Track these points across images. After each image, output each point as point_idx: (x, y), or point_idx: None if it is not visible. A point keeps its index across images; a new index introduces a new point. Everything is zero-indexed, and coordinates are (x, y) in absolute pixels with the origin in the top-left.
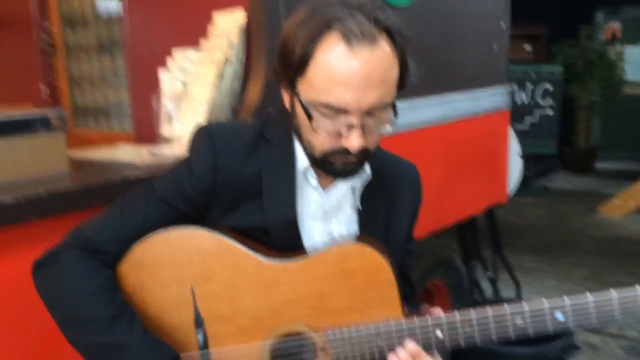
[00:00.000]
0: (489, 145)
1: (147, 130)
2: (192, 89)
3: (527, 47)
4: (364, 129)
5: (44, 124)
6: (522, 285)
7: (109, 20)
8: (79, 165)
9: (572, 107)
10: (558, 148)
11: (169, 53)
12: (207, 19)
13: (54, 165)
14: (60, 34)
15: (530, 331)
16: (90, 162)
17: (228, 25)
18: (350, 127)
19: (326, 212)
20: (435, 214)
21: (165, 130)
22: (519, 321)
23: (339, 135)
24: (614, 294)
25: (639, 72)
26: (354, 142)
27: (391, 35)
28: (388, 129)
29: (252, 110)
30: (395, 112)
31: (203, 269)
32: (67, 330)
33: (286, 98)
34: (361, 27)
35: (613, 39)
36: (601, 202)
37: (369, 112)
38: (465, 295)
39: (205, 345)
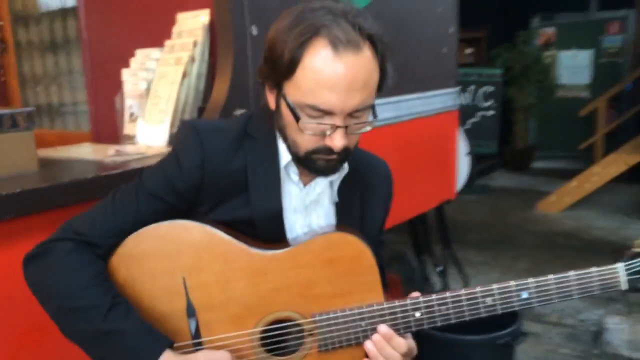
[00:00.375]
0: (439, 144)
1: (106, 129)
2: (157, 88)
3: (469, 50)
4: (346, 129)
5: (12, 122)
6: (469, 279)
7: (64, 18)
8: (45, 164)
9: (511, 108)
10: (498, 148)
11: (131, 53)
12: (171, 19)
13: (23, 164)
14: (11, 32)
15: (499, 309)
16: (56, 160)
17: (192, 25)
18: (334, 127)
19: (307, 206)
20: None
21: (128, 129)
22: (488, 300)
23: (323, 135)
24: (571, 274)
25: (572, 75)
26: (337, 141)
27: (373, 42)
28: (368, 129)
29: (219, 109)
30: (375, 114)
31: (194, 260)
32: (62, 320)
33: (271, 98)
34: (346, 34)
35: (548, 44)
36: (539, 199)
37: (351, 114)
38: (417, 289)
39: (197, 334)
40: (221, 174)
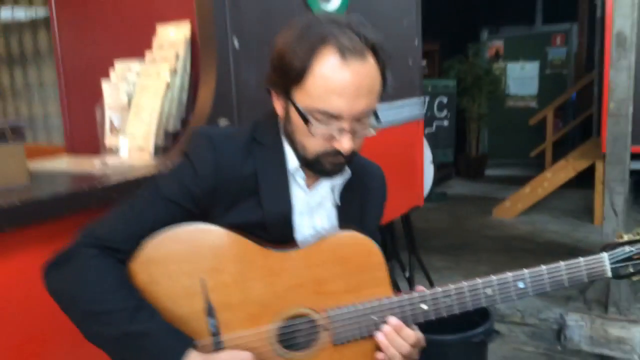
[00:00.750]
0: (407, 153)
1: (81, 141)
2: (140, 99)
3: (423, 62)
4: (353, 133)
5: (2, 135)
6: (434, 284)
7: (34, 31)
8: (34, 177)
9: (464, 118)
10: (454, 156)
11: (108, 64)
12: (150, 30)
13: (14, 177)
14: None
15: (498, 299)
16: (44, 173)
17: (173, 37)
18: (342, 131)
19: (311, 208)
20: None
21: (109, 141)
22: (488, 291)
23: (331, 138)
24: (562, 264)
25: (520, 86)
26: (345, 144)
27: (375, 51)
28: (372, 132)
29: (204, 120)
30: (378, 118)
31: (212, 262)
32: (87, 325)
33: (278, 105)
34: (353, 43)
35: (497, 56)
36: (494, 205)
37: (357, 118)
38: None
39: (217, 333)
40: (233, 179)
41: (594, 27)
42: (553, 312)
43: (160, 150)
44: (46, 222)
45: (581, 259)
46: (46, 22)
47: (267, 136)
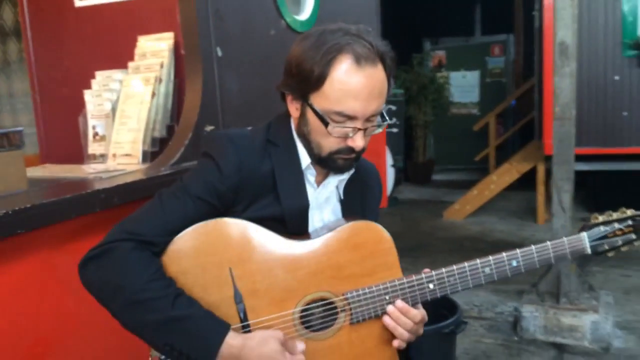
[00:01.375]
0: (372, 157)
1: (57, 151)
2: (124, 108)
3: None
4: (364, 132)
5: (3, 141)
6: None
7: (3, 41)
8: (32, 184)
9: (411, 125)
10: (403, 162)
11: (88, 75)
12: (132, 43)
13: (13, 183)
14: None
15: (495, 277)
16: (40, 180)
17: (156, 47)
18: (356, 130)
19: (320, 203)
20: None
21: (92, 148)
22: (487, 270)
23: (345, 137)
24: (548, 243)
25: (462, 94)
26: (359, 142)
27: (383, 58)
28: (379, 130)
29: (192, 127)
30: (385, 118)
31: (238, 253)
32: (129, 313)
33: (293, 107)
34: (365, 51)
35: (440, 66)
36: (443, 208)
37: (368, 119)
38: None
39: (245, 318)
40: (253, 177)
41: (530, 37)
42: (508, 306)
43: (147, 156)
44: (54, 225)
45: (565, 239)
46: (16, 32)
47: (280, 137)
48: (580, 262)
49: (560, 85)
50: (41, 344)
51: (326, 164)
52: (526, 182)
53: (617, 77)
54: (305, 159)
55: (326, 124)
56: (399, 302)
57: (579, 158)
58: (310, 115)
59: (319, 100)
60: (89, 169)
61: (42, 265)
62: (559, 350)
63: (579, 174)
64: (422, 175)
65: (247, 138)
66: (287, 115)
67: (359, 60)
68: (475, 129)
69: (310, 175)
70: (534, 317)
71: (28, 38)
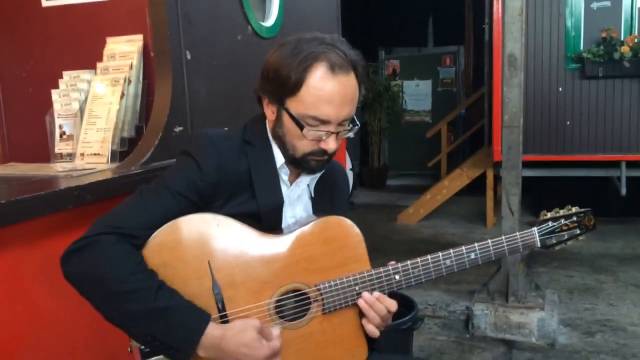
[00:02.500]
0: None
1: (20, 150)
2: (92, 107)
3: None
4: (337, 135)
5: None
6: None
7: None
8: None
9: (366, 132)
10: (359, 168)
11: (54, 76)
12: (100, 44)
13: None
14: None
15: (455, 268)
16: (8, 177)
17: (125, 48)
18: (329, 134)
19: (292, 201)
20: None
21: (59, 148)
22: (447, 262)
23: (319, 140)
24: (503, 237)
25: (415, 102)
26: (331, 145)
27: (355, 67)
28: (351, 135)
29: (162, 128)
30: (356, 124)
31: (217, 246)
32: (111, 305)
33: (269, 110)
34: (340, 60)
35: (394, 74)
36: (398, 212)
37: (340, 123)
38: None
39: (223, 308)
40: (231, 175)
41: (479, 49)
42: (460, 305)
43: (116, 155)
44: (27, 222)
45: (517, 233)
46: None
47: (256, 138)
48: (527, 262)
49: (509, 95)
50: (15, 339)
51: (299, 165)
52: (475, 187)
53: (560, 89)
54: (279, 158)
55: (301, 127)
56: (376, 293)
57: (526, 165)
58: (286, 118)
59: (294, 104)
60: (57, 168)
61: (15, 261)
62: (508, 347)
63: (525, 180)
64: (376, 180)
65: (226, 138)
66: (262, 117)
67: (333, 68)
68: (427, 136)
69: (284, 174)
70: (485, 315)
71: None
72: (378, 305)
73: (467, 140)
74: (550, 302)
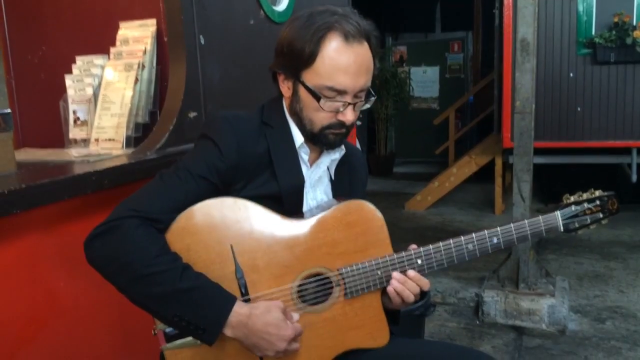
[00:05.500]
0: None
1: (34, 136)
2: (106, 93)
3: None
4: (354, 106)
5: None
6: None
7: None
8: (20, 166)
9: (373, 119)
10: (366, 155)
11: (67, 60)
12: (113, 29)
13: (2, 165)
14: None
15: (477, 253)
16: (26, 163)
17: (139, 33)
18: (346, 105)
19: (312, 183)
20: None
21: (74, 133)
22: (470, 246)
23: (336, 112)
24: (525, 221)
25: (423, 89)
26: (349, 116)
27: (369, 38)
28: (367, 105)
29: (176, 113)
30: (373, 95)
31: (239, 230)
32: (136, 287)
33: (285, 86)
34: (353, 29)
35: (401, 61)
36: (405, 199)
37: (357, 95)
38: None
39: (246, 292)
40: (251, 156)
41: (488, 35)
42: (469, 292)
43: (131, 141)
44: (46, 206)
45: (540, 217)
46: None
47: (274, 119)
48: (537, 249)
49: (521, 80)
50: (33, 324)
51: (318, 140)
52: (483, 175)
53: (572, 74)
54: (298, 138)
55: (318, 99)
56: (396, 274)
57: (535, 151)
58: (302, 92)
59: (310, 77)
60: (73, 153)
61: (34, 246)
62: (518, 333)
63: (533, 167)
64: (383, 168)
65: (244, 120)
66: (279, 98)
67: (347, 37)
68: (435, 123)
69: (304, 153)
70: (495, 301)
71: (4, 21)
72: (410, 283)
73: (475, 128)
74: (560, 288)
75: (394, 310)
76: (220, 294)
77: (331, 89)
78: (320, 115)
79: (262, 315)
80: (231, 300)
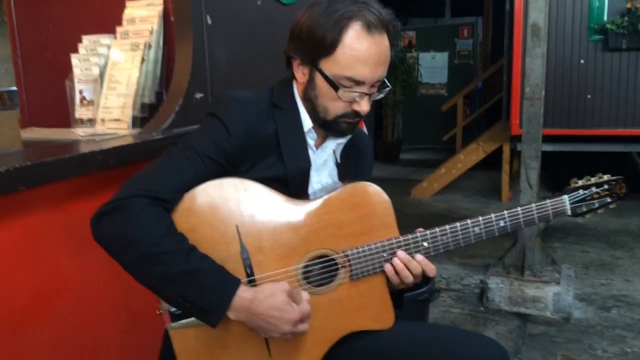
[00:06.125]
0: None
1: (41, 114)
2: (113, 73)
3: None
4: (369, 97)
5: None
6: None
7: None
8: (26, 144)
9: (381, 104)
10: (373, 141)
11: (73, 40)
12: (119, 8)
13: (8, 143)
14: None
15: (484, 236)
16: (32, 141)
17: (145, 12)
18: (363, 95)
19: (318, 166)
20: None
21: (80, 113)
22: (476, 229)
23: (352, 102)
24: (533, 205)
25: (431, 75)
26: (365, 106)
27: (387, 28)
28: (381, 96)
29: (182, 94)
30: (387, 85)
31: (245, 211)
32: (142, 267)
33: (300, 72)
34: (375, 19)
35: (410, 46)
36: (411, 186)
37: (373, 85)
38: None
39: (251, 273)
40: (259, 138)
41: (498, 20)
42: (474, 278)
43: (137, 121)
44: (52, 184)
45: (548, 201)
46: None
47: (284, 101)
48: (543, 237)
49: (531, 66)
50: (38, 301)
51: (330, 128)
52: (490, 162)
53: (582, 61)
54: (307, 122)
55: (336, 89)
56: (401, 253)
57: (544, 139)
58: (319, 80)
59: (329, 65)
60: (79, 132)
61: (40, 223)
62: (523, 320)
63: (541, 155)
64: (390, 154)
65: (253, 100)
66: (290, 80)
67: (369, 27)
68: (443, 110)
69: (311, 139)
70: (500, 288)
71: (11, 3)
72: (405, 272)
73: (484, 114)
74: (566, 276)
75: (398, 293)
76: (224, 277)
77: (350, 79)
78: (336, 105)
79: (265, 299)
80: (235, 283)
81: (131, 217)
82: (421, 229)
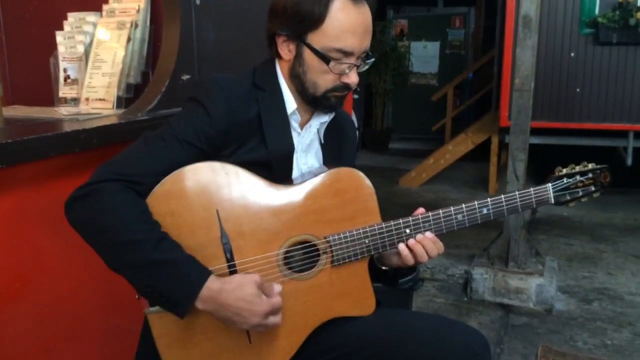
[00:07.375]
0: None
1: (25, 92)
2: (98, 51)
3: None
4: (357, 68)
5: None
6: None
7: None
8: (8, 122)
9: (371, 93)
10: (362, 130)
11: (58, 17)
12: None
13: None
14: None
15: (467, 223)
16: (15, 119)
17: None
18: (352, 66)
19: (303, 148)
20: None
21: (64, 92)
22: (459, 217)
23: (341, 74)
24: (516, 193)
25: (422, 64)
26: (354, 78)
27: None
28: (366, 67)
29: (169, 75)
30: (373, 56)
31: (226, 195)
32: (112, 253)
33: (286, 50)
34: None
35: (402, 35)
36: (399, 175)
37: (360, 56)
38: None
39: (232, 258)
40: (241, 121)
41: (490, 11)
42: (459, 269)
43: (122, 102)
44: (34, 162)
45: (531, 189)
46: None
47: (267, 82)
48: (528, 229)
49: (522, 57)
50: (17, 281)
51: (320, 103)
52: (478, 153)
53: (572, 54)
54: (291, 104)
55: (327, 61)
56: (429, 233)
57: (532, 131)
58: (307, 54)
59: (318, 39)
60: (62, 111)
61: (21, 202)
62: (506, 311)
63: (529, 148)
64: (379, 143)
65: (235, 83)
66: (272, 60)
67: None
68: (433, 99)
69: (295, 121)
70: (484, 279)
71: None
72: (431, 246)
73: (473, 105)
74: (549, 268)
75: (386, 270)
76: (194, 267)
77: (340, 50)
78: (326, 78)
79: (233, 290)
80: (204, 274)
81: (103, 203)
82: (423, 210)
